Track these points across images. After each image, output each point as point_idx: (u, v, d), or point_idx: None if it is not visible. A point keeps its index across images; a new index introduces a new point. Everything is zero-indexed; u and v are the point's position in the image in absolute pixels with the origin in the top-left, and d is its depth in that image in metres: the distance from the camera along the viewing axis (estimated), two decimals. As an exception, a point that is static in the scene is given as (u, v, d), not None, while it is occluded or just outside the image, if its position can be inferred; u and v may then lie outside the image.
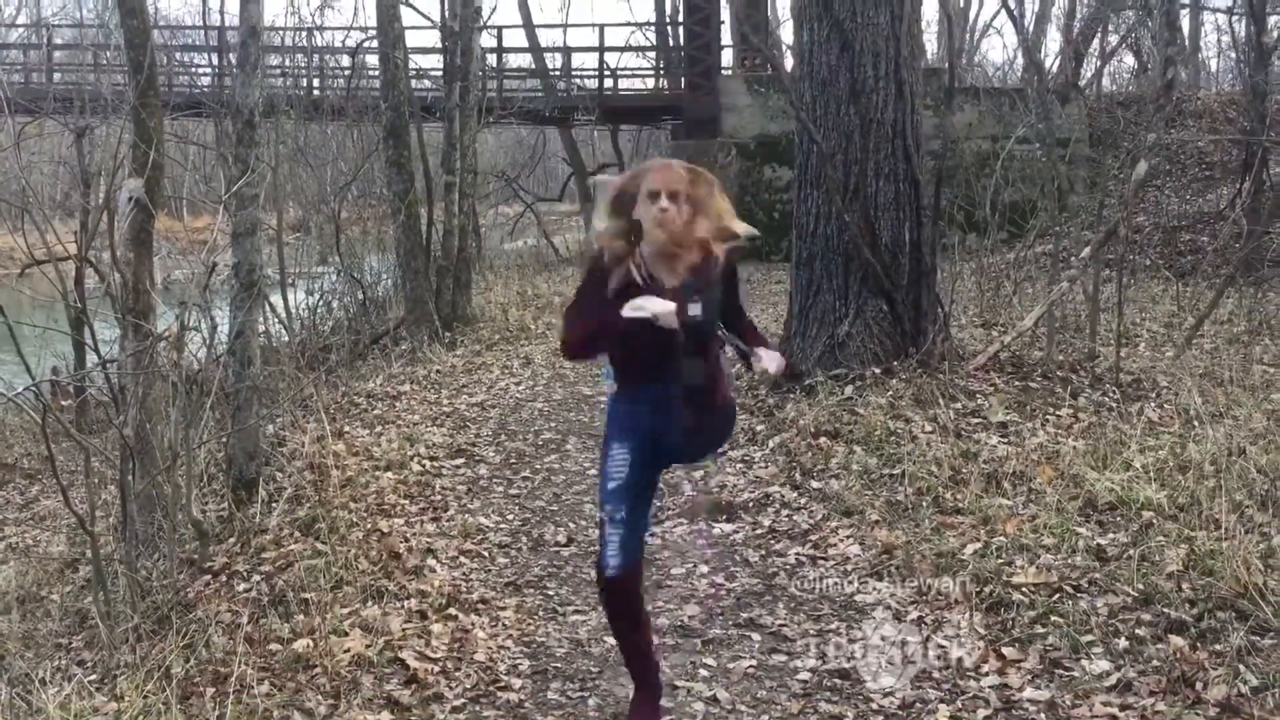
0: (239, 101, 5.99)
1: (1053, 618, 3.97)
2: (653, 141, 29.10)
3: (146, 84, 6.39)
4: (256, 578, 4.79)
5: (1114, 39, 22.68)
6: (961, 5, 28.54)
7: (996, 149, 14.18)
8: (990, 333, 9.38)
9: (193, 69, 22.64)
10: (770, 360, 3.36)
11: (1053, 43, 29.28)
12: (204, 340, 6.27)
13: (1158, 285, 13.30)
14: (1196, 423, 6.29)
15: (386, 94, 11.48)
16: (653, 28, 26.27)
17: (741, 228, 3.36)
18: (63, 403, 9.37)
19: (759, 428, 6.90)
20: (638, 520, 3.31)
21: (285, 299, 12.88)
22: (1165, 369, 8.12)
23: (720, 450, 3.56)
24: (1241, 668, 3.41)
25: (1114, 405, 6.94)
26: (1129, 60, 24.57)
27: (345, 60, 19.14)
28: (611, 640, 4.16)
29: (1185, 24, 25.27)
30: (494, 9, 23.62)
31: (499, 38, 22.84)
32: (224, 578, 4.94)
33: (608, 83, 22.89)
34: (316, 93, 18.63)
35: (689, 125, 20.84)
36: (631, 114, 23.92)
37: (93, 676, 4.08)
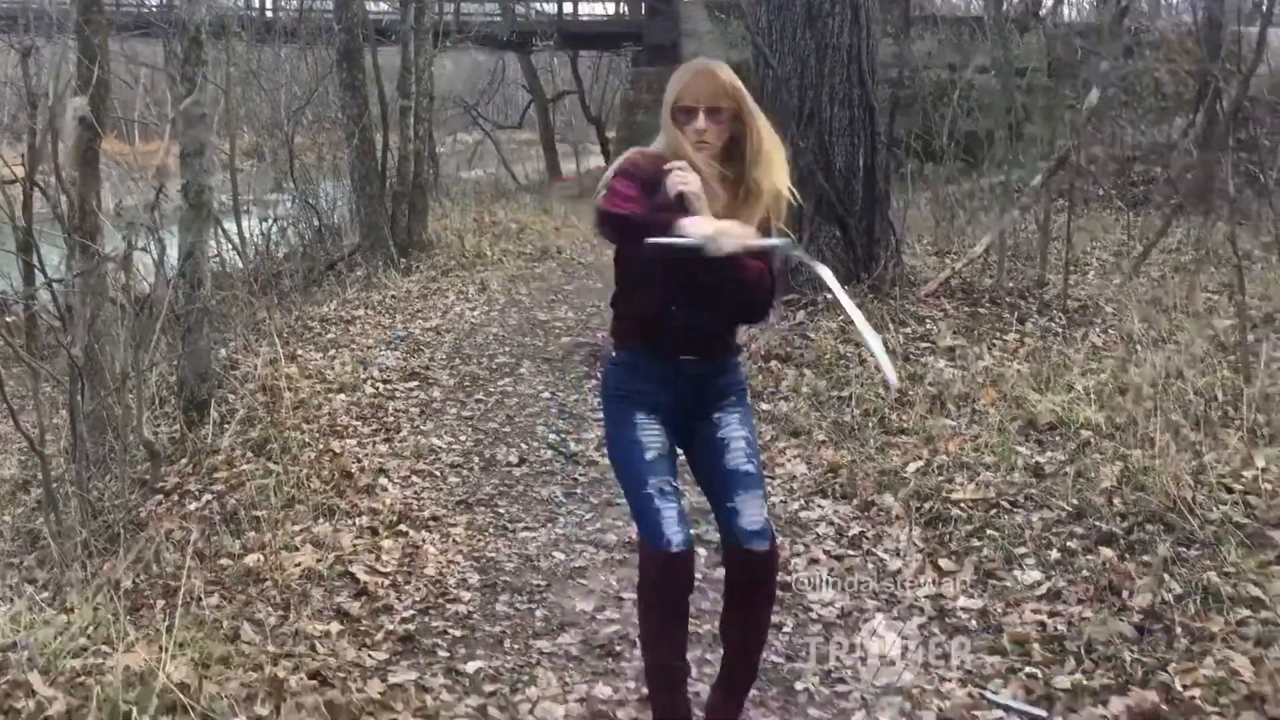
0: (185, 19, 5.89)
1: (989, 531, 4.09)
2: (613, 68, 28.84)
3: (91, 1, 6.26)
4: (208, 497, 4.82)
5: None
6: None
7: (955, 78, 14.18)
8: (944, 260, 9.47)
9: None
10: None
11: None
12: (153, 262, 6.21)
13: (1110, 215, 13.45)
14: (1139, 347, 6.43)
15: (340, 16, 11.28)
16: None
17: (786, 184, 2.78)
18: (7, 319, 9.26)
19: (711, 352, 6.95)
20: (680, 490, 2.78)
21: (239, 225, 12.75)
22: (1112, 296, 8.26)
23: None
24: (1166, 577, 3.53)
25: (1060, 330, 7.07)
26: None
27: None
28: (560, 555, 4.26)
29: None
30: (451, -70, 23.14)
31: (456, -41, 22.43)
32: (175, 497, 4.97)
33: (567, 7, 22.64)
34: (269, 14, 18.27)
35: (649, 52, 20.71)
36: (591, 40, 23.71)
37: (45, 594, 4.11)
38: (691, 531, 2.74)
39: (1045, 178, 7.93)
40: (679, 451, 2.87)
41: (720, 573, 2.96)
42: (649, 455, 2.74)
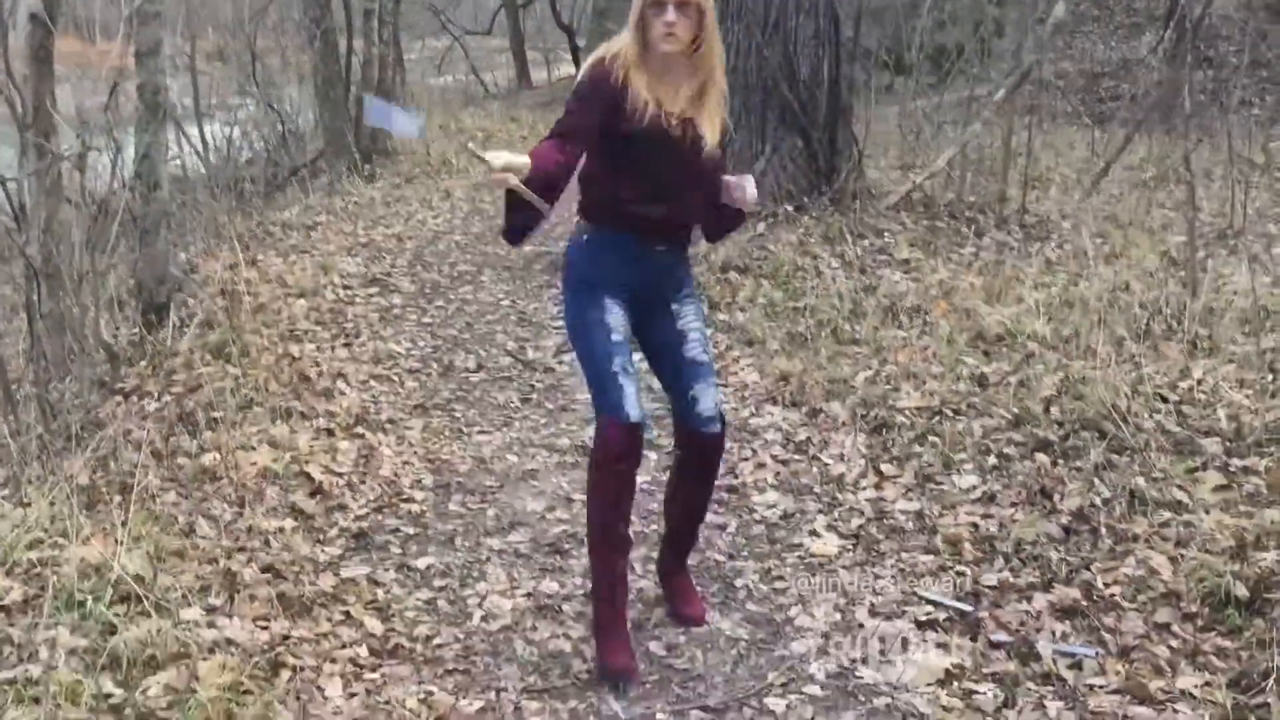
0: (138, -87, 5.76)
1: (930, 438, 4.20)
2: (585, -27, 28.27)
3: (40, -108, 6.11)
4: (166, 398, 4.85)
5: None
6: None
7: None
8: (908, 175, 9.50)
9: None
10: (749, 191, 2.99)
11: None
12: (110, 164, 6.16)
13: (1076, 131, 13.48)
14: (1092, 262, 6.53)
15: (301, -87, 11.02)
16: None
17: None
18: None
19: (671, 262, 7.01)
20: (635, 370, 2.96)
21: (200, 129, 12.57)
22: (1070, 212, 8.34)
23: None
24: (1096, 481, 3.66)
25: (1016, 245, 7.16)
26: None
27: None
28: (514, 458, 4.35)
29: None
30: None
31: None
32: (134, 398, 4.99)
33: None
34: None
35: (621, -43, 20.37)
36: (562, -57, 23.21)
37: (3, 491, 4.16)
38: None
39: (1008, 92, 7.94)
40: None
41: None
42: (615, 337, 2.90)
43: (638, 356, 3.01)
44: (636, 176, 2.86)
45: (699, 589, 3.32)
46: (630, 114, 2.80)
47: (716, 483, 3.79)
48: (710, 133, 2.89)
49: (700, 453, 3.09)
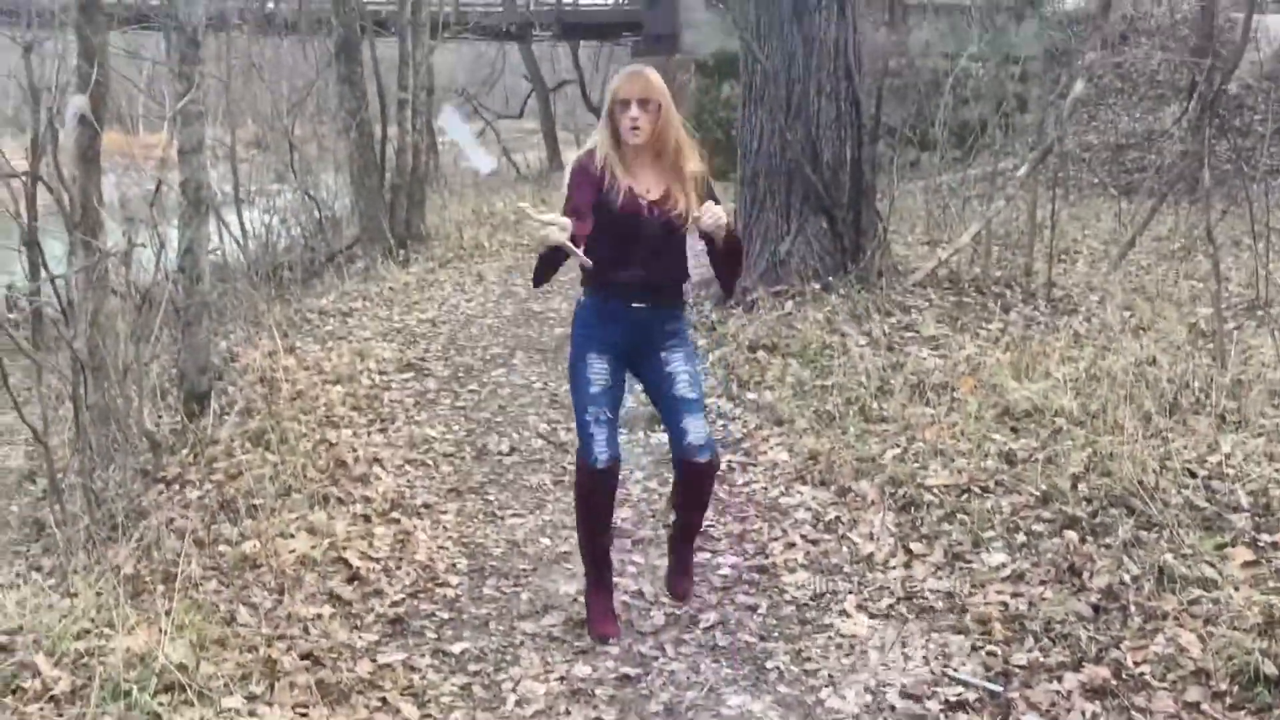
0: (182, 19, 6.01)
1: (959, 516, 4.23)
2: (614, 57, 28.89)
3: (89, 2, 6.39)
4: (208, 486, 4.96)
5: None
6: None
7: (952, 66, 14.28)
8: (935, 250, 9.59)
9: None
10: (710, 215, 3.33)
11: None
12: (154, 257, 6.35)
13: (1103, 202, 13.58)
14: (1119, 335, 6.57)
15: (338, 10, 11.40)
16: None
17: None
18: (8, 316, 9.42)
19: (701, 342, 7.09)
20: (615, 418, 3.52)
21: (240, 216, 12.89)
22: (1098, 284, 8.39)
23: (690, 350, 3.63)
24: (1125, 559, 3.68)
25: (1043, 319, 7.21)
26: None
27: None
28: (547, 541, 4.42)
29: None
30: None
31: (456, -50, 22.51)
32: (176, 486, 5.10)
33: (567, -2, 22.74)
34: (270, 6, 18.37)
35: (648, 41, 20.79)
36: (591, 30, 23.81)
37: (50, 580, 4.27)
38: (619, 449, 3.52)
39: (1030, 168, 8.05)
40: (634, 381, 3.59)
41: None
42: (593, 389, 3.45)
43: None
44: (616, 249, 3.37)
45: (729, 671, 3.37)
46: (610, 198, 3.37)
47: (749, 564, 3.87)
48: (683, 205, 3.39)
49: (694, 479, 3.55)
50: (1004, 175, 10.75)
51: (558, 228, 3.13)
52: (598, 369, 3.46)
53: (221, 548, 4.15)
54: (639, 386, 3.65)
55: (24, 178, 6.42)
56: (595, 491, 3.52)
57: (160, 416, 6.14)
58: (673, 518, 3.80)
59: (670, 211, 3.39)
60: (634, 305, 3.45)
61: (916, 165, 14.87)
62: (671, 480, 3.83)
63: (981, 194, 12.36)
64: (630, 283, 3.42)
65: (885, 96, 16.68)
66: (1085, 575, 3.66)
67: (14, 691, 3.04)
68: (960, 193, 12.42)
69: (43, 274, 6.03)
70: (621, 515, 4.63)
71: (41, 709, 2.96)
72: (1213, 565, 3.55)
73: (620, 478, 4.51)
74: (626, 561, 4.18)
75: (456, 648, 3.55)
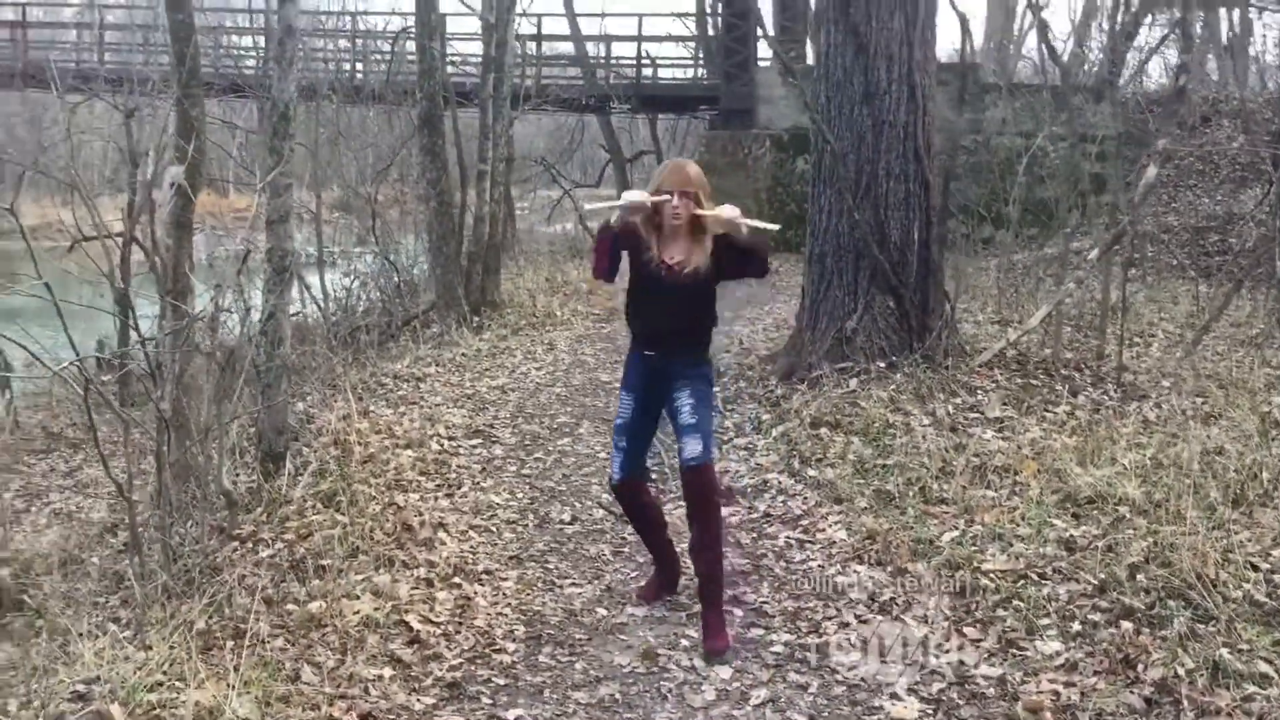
0: (275, 95, 6.31)
1: (1015, 602, 4.23)
2: (690, 130, 29.32)
3: (189, 76, 6.75)
4: (279, 545, 5.12)
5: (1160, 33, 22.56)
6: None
7: (1028, 145, 14.32)
8: (1005, 330, 9.58)
9: (238, 51, 23.09)
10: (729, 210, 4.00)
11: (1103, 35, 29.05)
12: (238, 321, 6.62)
13: (1181, 285, 13.42)
14: (1191, 422, 6.50)
15: (423, 84, 11.79)
16: (693, 18, 26.44)
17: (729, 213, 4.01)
18: (104, 377, 9.79)
19: (765, 417, 7.17)
20: (637, 448, 4.38)
21: (322, 279, 13.29)
22: (1171, 369, 8.30)
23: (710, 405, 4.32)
24: (1180, 651, 3.66)
25: (1112, 404, 7.15)
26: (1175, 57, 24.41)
27: (386, 45, 19.49)
28: (603, 611, 4.50)
29: (1234, 21, 25.13)
30: (536, -4, 23.93)
31: (539, 26, 23.13)
32: (250, 544, 5.28)
33: (646, 71, 23.17)
34: (360, 77, 19.01)
35: (725, 115, 21.09)
36: (668, 103, 24.20)
37: (127, 632, 4.44)
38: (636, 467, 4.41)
39: (1102, 251, 8.05)
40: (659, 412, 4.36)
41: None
42: (618, 420, 4.38)
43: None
44: (639, 307, 4.29)
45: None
46: (644, 260, 4.16)
47: (801, 642, 3.91)
48: (698, 262, 4.10)
49: (688, 483, 4.18)
50: (1077, 256, 10.72)
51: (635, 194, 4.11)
52: (625, 404, 4.33)
53: (289, 606, 4.29)
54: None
55: (118, 239, 6.76)
56: (619, 499, 4.56)
57: (238, 475, 6.34)
58: (690, 554, 4.35)
59: (691, 275, 4.10)
60: (647, 354, 4.28)
61: (991, 243, 14.87)
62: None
63: (1054, 274, 12.34)
64: (650, 336, 4.27)
65: (960, 174, 16.78)
66: (1140, 667, 3.65)
67: (88, 739, 3.19)
68: (1033, 272, 12.40)
69: (133, 335, 6.31)
70: (679, 591, 4.71)
71: (114, 757, 3.10)
72: (1269, 662, 3.52)
73: (680, 549, 4.64)
74: (680, 635, 4.24)
75: (510, 714, 3.63)
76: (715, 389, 4.50)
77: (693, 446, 4.12)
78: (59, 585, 5.70)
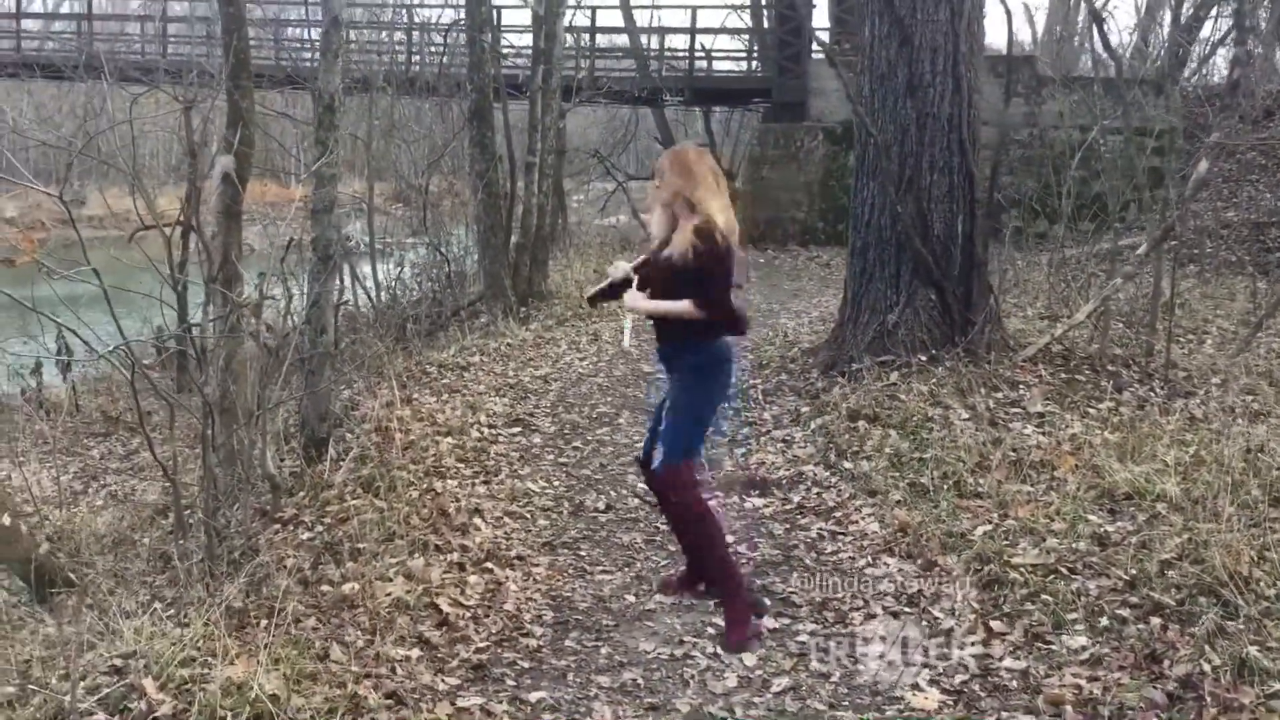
0: (320, 87, 6.41)
1: (1043, 596, 4.21)
2: (744, 123, 29.23)
3: (238, 67, 6.86)
4: (319, 528, 5.23)
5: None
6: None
7: (1084, 139, 14.11)
8: (1054, 324, 9.46)
9: (292, 43, 23.39)
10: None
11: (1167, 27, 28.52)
12: (283, 308, 6.74)
13: (1240, 281, 13.18)
14: (1237, 420, 6.41)
15: (473, 76, 11.89)
16: (747, 10, 26.33)
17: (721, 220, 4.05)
18: (151, 359, 10.00)
19: (803, 409, 7.17)
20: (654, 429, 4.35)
21: (374, 269, 13.45)
22: (1222, 366, 8.17)
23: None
24: (1208, 648, 3.62)
25: (1158, 400, 7.06)
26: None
27: (439, 38, 19.63)
28: (632, 598, 4.55)
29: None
30: (590, -12, 23.90)
31: (593, 17, 23.17)
32: (291, 527, 5.39)
33: (700, 64, 23.12)
34: (415, 68, 19.17)
35: (777, 108, 21.00)
36: (720, 96, 24.14)
37: (170, 611, 4.56)
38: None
39: (1150, 246, 7.93)
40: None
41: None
42: (650, 402, 4.28)
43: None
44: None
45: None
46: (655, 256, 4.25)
47: (824, 630, 4.04)
48: (677, 250, 4.04)
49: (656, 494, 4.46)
50: (1129, 251, 10.56)
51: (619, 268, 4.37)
52: (658, 386, 4.58)
53: (324, 587, 4.38)
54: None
55: (175, 228, 6.90)
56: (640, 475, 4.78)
57: (282, 460, 6.47)
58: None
59: (666, 261, 4.09)
60: (658, 344, 4.31)
61: (1045, 237, 14.69)
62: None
63: (1105, 269, 12.16)
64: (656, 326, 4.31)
65: (1015, 167, 16.56)
66: (1165, 663, 3.62)
67: (121, 712, 3.29)
68: (1086, 267, 12.24)
69: (185, 320, 6.45)
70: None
71: (144, 728, 3.19)
72: (1298, 660, 3.48)
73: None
74: (706, 624, 4.27)
75: (533, 696, 3.69)
76: (732, 379, 4.38)
77: (657, 455, 4.19)
78: (110, 565, 5.87)
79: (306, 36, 23.35)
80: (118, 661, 3.63)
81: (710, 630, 4.21)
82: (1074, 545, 4.61)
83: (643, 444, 4.49)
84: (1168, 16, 23.28)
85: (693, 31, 22.73)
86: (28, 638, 4.55)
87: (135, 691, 3.38)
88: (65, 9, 34.25)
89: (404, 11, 21.55)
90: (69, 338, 9.49)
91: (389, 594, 4.26)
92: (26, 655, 4.11)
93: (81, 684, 3.43)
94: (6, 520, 5.10)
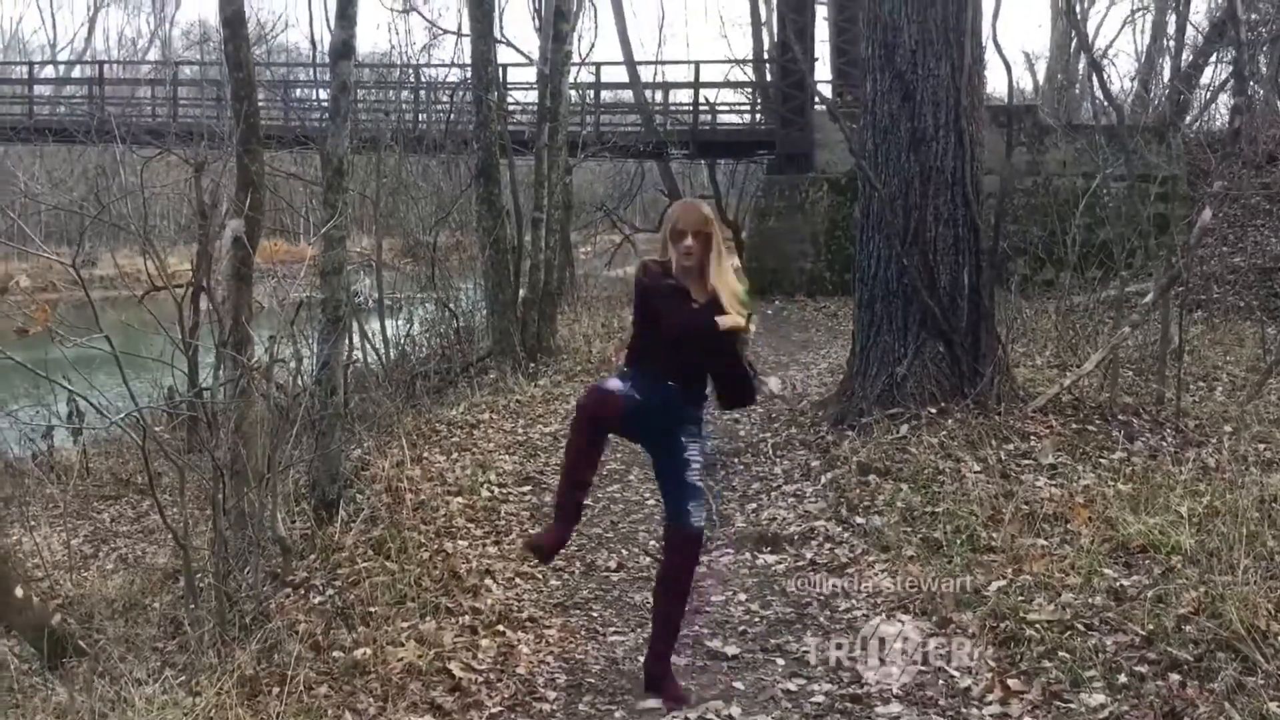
0: (329, 150, 6.49)
1: (1060, 653, 4.17)
2: (749, 174, 29.45)
3: (248, 131, 6.95)
4: (330, 591, 5.22)
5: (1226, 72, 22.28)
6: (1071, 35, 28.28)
7: (1088, 186, 14.20)
8: (1064, 373, 9.45)
9: (300, 104, 23.68)
10: (774, 383, 3.92)
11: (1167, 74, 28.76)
12: (292, 370, 6.77)
13: (1249, 326, 13.16)
14: (1253, 469, 6.37)
15: (479, 135, 12.01)
16: (750, 64, 26.62)
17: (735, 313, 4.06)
18: (161, 423, 10.02)
19: (814, 464, 7.15)
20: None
21: (383, 326, 13.51)
22: (1233, 414, 8.14)
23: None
24: (1228, 705, 3.59)
25: (1170, 449, 7.03)
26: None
27: (445, 96, 19.87)
28: (643, 659, 4.50)
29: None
30: (592, 46, 24.24)
31: (597, 74, 23.45)
32: (302, 591, 5.38)
33: (704, 117, 23.35)
34: (423, 127, 19.38)
35: (782, 160, 21.17)
36: (725, 149, 24.34)
37: (181, 678, 4.54)
38: None
39: (1158, 293, 7.94)
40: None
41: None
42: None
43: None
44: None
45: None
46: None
47: (842, 692, 3.89)
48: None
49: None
50: (1135, 298, 10.58)
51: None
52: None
53: (335, 653, 4.36)
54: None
55: (185, 289, 6.96)
56: (580, 420, 4.20)
57: (293, 522, 6.46)
58: (657, 599, 4.36)
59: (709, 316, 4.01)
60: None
61: (1051, 284, 14.71)
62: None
63: (1113, 317, 12.16)
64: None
65: (1018, 216, 16.62)
66: (1185, 721, 3.58)
67: (134, 784, 3.26)
68: (1094, 315, 12.24)
69: (196, 383, 6.49)
70: (722, 640, 4.71)
71: (157, 802, 3.17)
72: (1320, 718, 3.44)
73: (726, 597, 4.98)
74: (724, 683, 4.23)
75: (547, 762, 3.66)
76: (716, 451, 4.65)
77: (695, 517, 4.19)
78: (121, 631, 5.85)
79: (315, 97, 23.67)
80: (128, 733, 3.61)
81: (725, 690, 4.17)
82: (1090, 600, 4.58)
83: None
84: (1168, 64, 23.50)
85: (696, 86, 23.00)
86: (39, 705, 4.54)
87: (147, 763, 3.36)
88: (76, 74, 34.75)
89: (411, 72, 21.82)
90: (80, 403, 9.54)
91: (401, 659, 4.25)
92: (38, 726, 4.10)
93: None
94: (20, 592, 5.10)
